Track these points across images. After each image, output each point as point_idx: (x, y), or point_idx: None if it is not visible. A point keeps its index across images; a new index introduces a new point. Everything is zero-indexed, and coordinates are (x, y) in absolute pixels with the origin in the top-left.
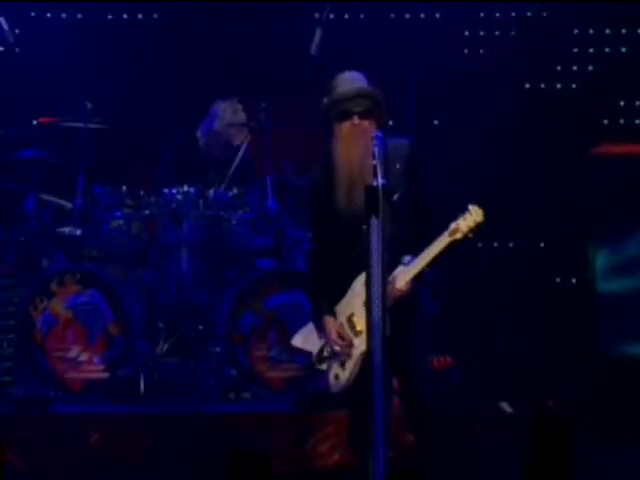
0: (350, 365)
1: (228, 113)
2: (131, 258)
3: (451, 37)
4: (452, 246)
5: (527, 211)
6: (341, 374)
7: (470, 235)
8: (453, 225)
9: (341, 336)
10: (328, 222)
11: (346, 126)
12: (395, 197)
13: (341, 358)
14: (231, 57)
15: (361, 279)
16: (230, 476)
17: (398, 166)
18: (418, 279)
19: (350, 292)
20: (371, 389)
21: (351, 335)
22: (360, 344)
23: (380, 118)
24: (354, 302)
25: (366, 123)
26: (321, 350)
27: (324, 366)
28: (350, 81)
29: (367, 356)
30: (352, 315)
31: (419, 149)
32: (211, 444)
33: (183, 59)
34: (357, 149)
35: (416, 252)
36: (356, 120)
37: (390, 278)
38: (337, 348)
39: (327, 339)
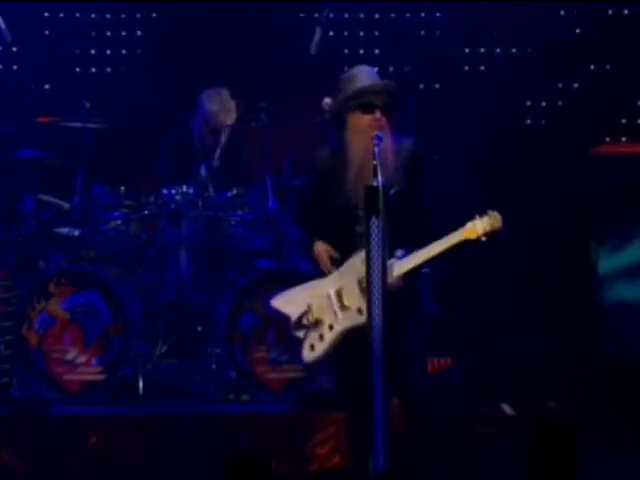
0: (329, 339)
1: (213, 96)
2: (130, 259)
3: (451, 36)
4: (461, 245)
5: (527, 211)
6: (317, 345)
7: (484, 239)
8: (469, 224)
9: (332, 259)
10: (325, 201)
11: (366, 118)
12: (391, 192)
13: (321, 330)
14: (231, 57)
15: (361, 256)
16: (229, 477)
17: (398, 163)
18: (412, 275)
19: (346, 266)
20: (371, 389)
21: (337, 308)
22: (344, 319)
23: (393, 116)
24: (347, 277)
25: (385, 119)
26: (301, 317)
27: (301, 333)
28: (372, 75)
29: (349, 334)
30: (341, 289)
31: (421, 149)
32: (211, 445)
33: (183, 59)
34: (372, 142)
35: (409, 249)
36: (378, 114)
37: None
38: (327, 271)
39: (319, 263)
